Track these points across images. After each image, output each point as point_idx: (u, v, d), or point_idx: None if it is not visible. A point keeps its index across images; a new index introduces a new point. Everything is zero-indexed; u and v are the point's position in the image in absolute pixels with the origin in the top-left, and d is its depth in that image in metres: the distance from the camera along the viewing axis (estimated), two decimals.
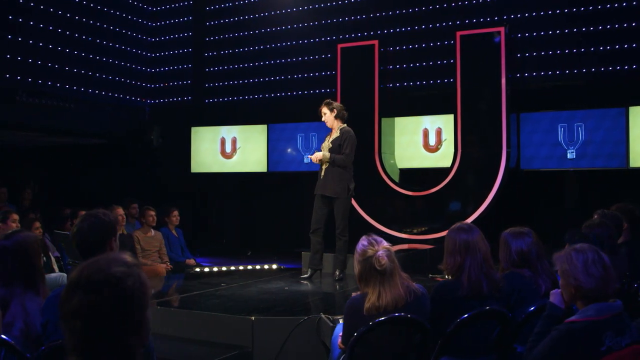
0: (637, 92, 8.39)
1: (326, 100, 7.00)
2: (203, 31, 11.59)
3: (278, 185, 10.98)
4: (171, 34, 11.83)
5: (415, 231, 9.07)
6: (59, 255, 7.50)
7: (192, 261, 8.84)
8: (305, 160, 10.15)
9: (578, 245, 2.79)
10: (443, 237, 3.85)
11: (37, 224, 7.02)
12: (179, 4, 11.77)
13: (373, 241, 3.42)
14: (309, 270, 6.92)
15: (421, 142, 9.63)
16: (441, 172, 9.12)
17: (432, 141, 9.56)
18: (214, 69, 11.52)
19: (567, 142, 8.69)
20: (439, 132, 9.51)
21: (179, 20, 11.79)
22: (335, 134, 6.86)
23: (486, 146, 8.76)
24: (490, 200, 8.63)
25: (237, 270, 8.21)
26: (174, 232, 8.96)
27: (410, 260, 7.69)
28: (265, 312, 5.14)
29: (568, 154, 8.68)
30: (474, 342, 3.50)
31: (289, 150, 10.62)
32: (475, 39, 8.91)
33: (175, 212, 8.97)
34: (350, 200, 7.02)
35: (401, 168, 9.83)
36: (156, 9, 11.94)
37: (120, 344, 1.57)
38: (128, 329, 1.58)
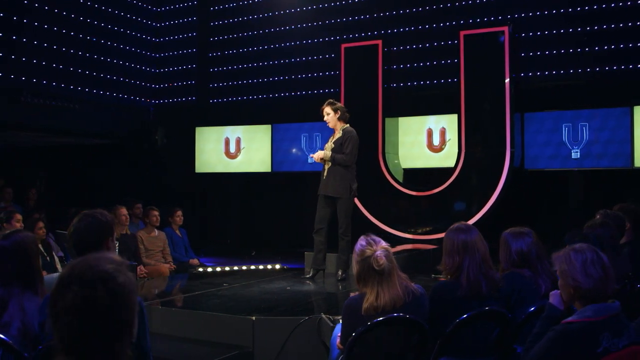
0: None
1: (329, 100, 6.96)
2: (207, 31, 11.61)
3: (282, 185, 10.99)
4: (175, 34, 11.85)
5: (419, 231, 9.06)
6: (62, 255, 7.52)
7: (195, 261, 8.85)
8: (310, 161, 10.14)
9: (577, 246, 2.77)
10: None
11: (41, 224, 7.02)
12: (184, 5, 11.79)
13: (371, 241, 3.41)
14: (312, 270, 6.91)
15: (425, 142, 9.62)
16: (445, 172, 9.11)
17: (436, 141, 9.54)
18: (218, 69, 11.53)
19: (572, 141, 8.66)
20: (443, 132, 9.50)
21: (183, 20, 11.81)
22: (338, 134, 6.85)
23: (490, 146, 8.74)
24: (494, 200, 8.61)
25: (240, 270, 8.22)
26: (177, 232, 8.96)
27: (413, 260, 7.69)
28: (266, 312, 5.13)
29: (572, 153, 8.65)
30: (473, 343, 3.49)
31: (293, 150, 10.62)
32: (478, 38, 8.89)
33: (179, 212, 8.98)
34: (353, 200, 7.00)
35: (405, 168, 9.81)
36: (160, 9, 11.97)
37: (111, 342, 1.57)
38: (119, 327, 1.58)
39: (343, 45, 9.85)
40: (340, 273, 6.73)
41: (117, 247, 7.30)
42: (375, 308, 3.27)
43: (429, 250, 8.21)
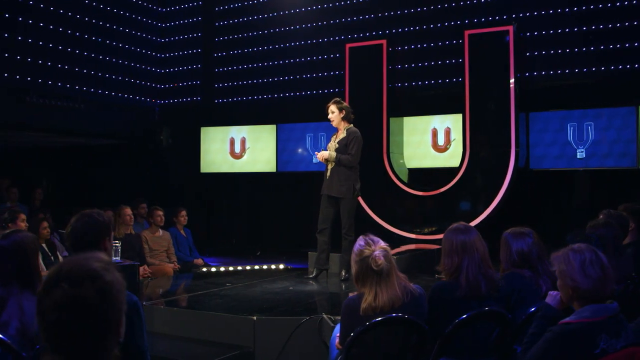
0: None
1: (336, 99, 6.96)
2: (212, 32, 11.62)
3: (287, 185, 10.99)
4: (180, 34, 11.88)
5: (423, 231, 9.04)
6: (67, 254, 7.54)
7: (200, 261, 8.87)
8: (314, 160, 10.13)
9: (576, 246, 2.75)
10: None
11: (45, 224, 7.05)
12: (189, 5, 11.81)
13: (370, 241, 3.41)
14: (315, 270, 6.90)
15: (430, 141, 9.60)
16: (450, 172, 9.09)
17: (441, 141, 9.52)
18: (223, 69, 11.54)
19: (577, 141, 8.62)
20: (447, 132, 9.47)
21: (188, 20, 11.83)
22: (341, 134, 6.83)
23: (495, 146, 8.71)
24: (499, 200, 8.58)
25: (244, 270, 8.22)
26: (182, 232, 8.98)
27: (417, 261, 7.67)
28: (267, 312, 5.13)
29: (578, 153, 8.61)
30: (473, 343, 3.47)
31: (299, 150, 10.62)
32: (483, 38, 8.87)
33: (183, 212, 9.00)
34: (357, 200, 7.00)
35: (410, 168, 9.80)
36: (165, 9, 12.00)
37: (98, 340, 1.58)
38: (107, 325, 1.59)
39: (348, 45, 9.85)
40: (343, 273, 6.72)
41: (121, 247, 7.33)
42: (374, 308, 3.26)
43: (433, 250, 8.19)
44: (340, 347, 3.48)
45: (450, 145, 9.44)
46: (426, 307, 3.47)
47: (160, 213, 8.44)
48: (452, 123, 9.42)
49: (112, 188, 11.75)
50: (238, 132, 11.19)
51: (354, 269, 3.43)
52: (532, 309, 3.44)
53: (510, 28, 8.64)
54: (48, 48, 9.62)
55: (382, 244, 3.41)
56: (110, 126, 10.74)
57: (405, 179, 9.55)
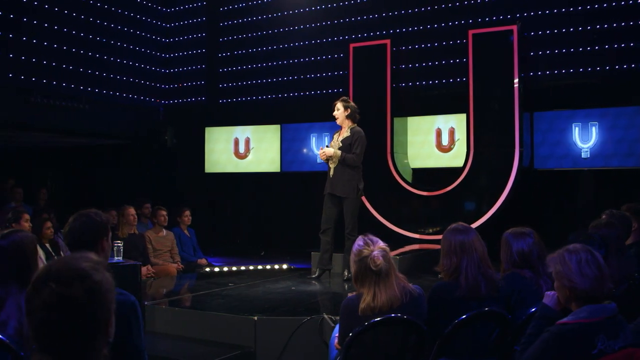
0: None
1: (343, 97, 6.99)
2: (216, 32, 11.63)
3: (291, 185, 10.98)
4: (185, 34, 11.89)
5: (427, 231, 9.02)
6: None
7: (203, 261, 8.88)
8: (318, 160, 10.12)
9: (571, 246, 2.73)
10: None
11: (49, 224, 7.08)
12: (193, 5, 11.82)
13: (369, 241, 3.40)
14: (318, 270, 6.91)
15: (434, 141, 9.58)
16: (454, 172, 9.07)
17: (445, 141, 9.49)
18: (227, 69, 11.55)
19: (582, 141, 8.58)
20: (451, 132, 9.45)
21: (192, 21, 11.85)
22: (345, 133, 6.83)
23: (499, 145, 8.68)
24: (503, 200, 8.55)
25: (247, 270, 8.23)
26: (186, 232, 9.00)
27: (421, 261, 7.65)
28: (269, 312, 5.13)
29: (582, 153, 8.57)
30: (472, 344, 3.46)
31: (304, 150, 10.62)
32: (487, 37, 8.84)
33: (187, 212, 9.01)
34: (360, 200, 6.99)
35: (414, 168, 9.78)
36: (170, 10, 12.01)
37: (87, 340, 1.58)
38: (95, 325, 1.59)
39: (351, 45, 9.83)
40: (346, 273, 6.72)
41: (124, 247, 7.34)
42: (372, 308, 3.26)
43: (436, 250, 8.08)
44: (339, 347, 3.47)
45: (454, 145, 9.41)
46: (425, 307, 3.46)
47: (164, 213, 8.45)
48: (456, 123, 9.39)
49: (116, 188, 11.78)
50: (242, 132, 11.20)
51: (352, 269, 3.43)
52: (533, 310, 3.42)
53: (514, 28, 8.61)
54: (52, 48, 9.65)
55: (381, 244, 3.40)
56: (114, 126, 10.76)
57: (410, 179, 9.53)
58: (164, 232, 8.47)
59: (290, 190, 11.05)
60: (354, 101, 7.11)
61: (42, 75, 9.48)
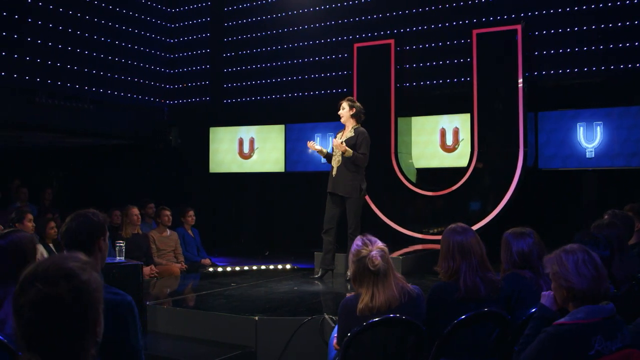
0: None
1: (349, 97, 7.02)
2: (221, 32, 11.64)
3: (296, 185, 10.98)
4: (189, 35, 11.90)
5: (431, 231, 9.01)
6: None
7: (207, 261, 8.89)
8: (322, 161, 10.12)
9: (568, 246, 2.72)
10: None
11: (52, 224, 7.10)
12: (197, 5, 11.83)
13: (367, 241, 3.39)
14: (321, 270, 6.91)
15: (438, 141, 9.56)
16: (458, 172, 9.05)
17: (450, 141, 9.47)
18: (231, 69, 11.56)
19: (587, 141, 8.54)
20: (456, 132, 9.43)
21: (197, 21, 11.85)
22: (349, 133, 6.83)
23: (503, 145, 8.66)
24: (507, 200, 8.53)
25: (251, 270, 8.23)
26: (189, 232, 9.01)
27: (424, 261, 7.64)
28: (270, 312, 5.13)
29: (587, 153, 8.53)
30: (472, 345, 3.44)
31: (309, 150, 10.59)
32: (491, 37, 8.82)
33: (191, 212, 9.03)
34: (363, 199, 6.99)
35: (418, 168, 9.76)
36: (175, 10, 12.03)
37: (74, 340, 1.57)
38: (82, 324, 1.58)
39: (355, 45, 9.83)
40: (349, 273, 6.68)
41: (128, 247, 7.36)
42: (370, 309, 3.25)
43: (439, 250, 8.14)
44: (338, 347, 3.46)
45: (458, 145, 9.39)
46: (424, 307, 3.45)
47: (168, 213, 8.46)
48: (460, 123, 9.37)
49: (121, 188, 11.81)
50: (247, 132, 11.21)
51: (351, 269, 3.42)
52: (533, 310, 3.40)
53: (519, 27, 8.59)
54: (57, 49, 9.68)
55: (380, 244, 3.39)
56: (119, 126, 10.79)
57: (414, 179, 9.52)
58: (168, 232, 8.49)
59: (294, 190, 11.05)
60: (358, 101, 7.11)
61: (46, 76, 9.50)
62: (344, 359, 3.23)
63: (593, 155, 8.50)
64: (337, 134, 6.99)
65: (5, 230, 3.42)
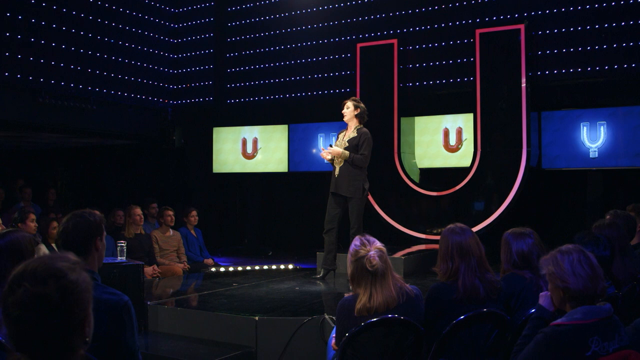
0: None
1: (354, 97, 7.00)
2: (224, 32, 11.65)
3: (299, 185, 10.98)
4: (193, 35, 11.91)
5: (434, 231, 8.99)
6: None
7: (210, 261, 8.90)
8: (325, 161, 10.10)
9: (564, 247, 2.71)
10: None
11: (55, 224, 7.11)
12: (201, 5, 11.84)
13: (365, 241, 3.38)
14: (322, 270, 6.90)
15: (442, 141, 9.54)
16: (462, 172, 9.03)
17: (453, 141, 9.45)
18: (235, 69, 11.56)
19: (590, 140, 8.51)
20: (459, 132, 9.40)
21: (200, 21, 11.86)
22: (352, 133, 6.83)
23: (506, 145, 8.64)
24: (510, 200, 8.51)
25: (253, 270, 8.22)
26: (192, 232, 9.02)
27: (426, 261, 7.62)
28: (270, 312, 5.13)
29: (591, 153, 8.50)
30: (471, 345, 3.43)
31: (314, 150, 10.61)
32: (494, 36, 8.80)
33: (194, 212, 9.04)
34: (365, 199, 6.99)
35: (421, 168, 9.75)
36: (178, 10, 12.04)
37: (61, 339, 1.58)
38: (71, 324, 1.58)
39: (359, 45, 9.83)
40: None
41: (130, 247, 7.37)
42: (368, 309, 3.24)
43: None
44: (336, 347, 3.45)
45: (462, 145, 9.37)
46: (422, 307, 3.44)
47: (171, 213, 8.48)
48: (463, 122, 9.35)
49: (125, 188, 11.84)
50: (250, 132, 11.21)
51: (349, 270, 3.41)
52: (532, 311, 3.39)
53: (522, 27, 8.56)
54: (61, 49, 9.70)
55: (378, 244, 3.38)
56: (123, 127, 10.80)
57: (417, 179, 9.51)
58: (171, 232, 8.50)
59: (298, 190, 11.05)
60: (361, 101, 7.11)
61: (50, 76, 9.52)
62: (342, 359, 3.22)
63: (597, 155, 8.47)
64: (339, 133, 6.99)
65: (4, 231, 3.43)
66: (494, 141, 8.74)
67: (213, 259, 9.05)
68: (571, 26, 8.71)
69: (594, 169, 8.60)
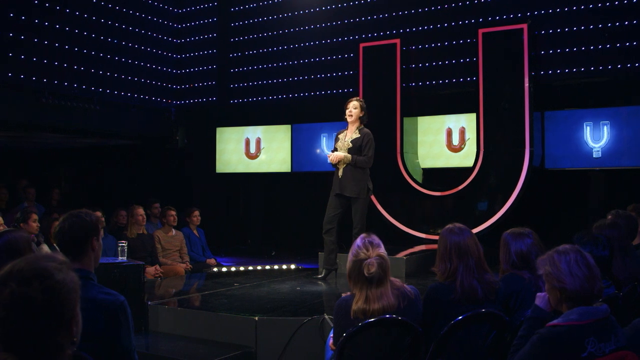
0: None
1: (359, 98, 7.02)
2: (228, 32, 11.65)
3: (302, 185, 10.97)
4: (196, 35, 11.92)
5: (437, 231, 8.96)
6: None
7: (212, 261, 8.91)
8: (328, 161, 10.10)
9: (561, 247, 2.69)
10: None
11: (56, 224, 7.10)
12: (204, 6, 11.85)
13: (368, 244, 3.32)
14: (324, 270, 6.89)
15: (444, 141, 9.52)
16: (464, 172, 9.01)
17: (456, 141, 9.43)
18: (238, 69, 11.57)
19: (593, 140, 8.48)
20: (462, 132, 9.39)
21: (203, 21, 11.87)
22: (354, 134, 6.82)
23: (509, 145, 8.61)
24: (513, 200, 8.48)
25: (255, 270, 8.22)
26: (195, 232, 9.03)
27: (428, 261, 7.58)
28: (270, 312, 5.12)
29: (594, 152, 8.47)
30: (469, 346, 3.42)
31: (317, 151, 10.61)
32: (497, 36, 8.78)
33: (196, 212, 9.06)
34: (369, 199, 6.98)
35: (424, 168, 9.73)
36: (181, 10, 12.05)
37: (47, 339, 1.58)
38: (57, 324, 1.59)
39: (361, 45, 9.81)
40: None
41: (133, 247, 7.39)
42: (364, 312, 3.22)
43: None
44: (334, 347, 3.44)
45: (464, 145, 9.35)
46: (420, 308, 3.43)
47: (173, 213, 8.49)
48: (466, 122, 9.33)
49: (128, 188, 11.86)
50: (253, 132, 11.22)
51: (348, 265, 3.38)
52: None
53: (525, 26, 8.53)
54: (64, 49, 9.72)
55: (381, 250, 3.31)
56: (126, 127, 10.82)
57: (420, 179, 9.49)
58: (173, 232, 8.52)
59: (301, 190, 11.04)
60: (364, 101, 7.13)
61: (53, 76, 9.54)
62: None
63: (600, 155, 8.43)
64: (338, 134, 6.96)
65: (1, 230, 3.44)
66: (497, 141, 8.72)
67: (215, 259, 9.05)
68: (574, 26, 8.67)
69: (598, 169, 8.58)
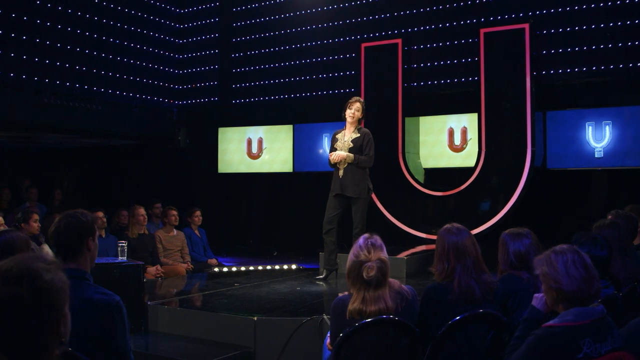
0: None
1: (359, 98, 7.00)
2: (229, 32, 11.65)
3: (304, 185, 10.97)
4: (198, 35, 11.92)
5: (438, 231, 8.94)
6: None
7: (214, 261, 8.91)
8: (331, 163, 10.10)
9: (558, 247, 2.68)
10: None
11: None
12: (206, 6, 11.85)
13: (370, 246, 3.29)
14: (325, 271, 6.88)
15: (446, 141, 9.51)
16: (466, 172, 9.00)
17: (458, 141, 9.42)
18: (240, 69, 11.56)
19: (595, 140, 8.46)
20: (464, 132, 9.37)
21: (205, 21, 11.87)
22: (353, 133, 6.81)
23: (511, 145, 8.60)
24: (515, 200, 8.47)
25: (256, 270, 8.22)
26: (196, 232, 9.03)
27: (429, 261, 7.56)
28: (270, 312, 5.12)
29: (596, 152, 8.45)
30: (466, 346, 3.41)
31: (320, 151, 10.60)
32: (499, 36, 8.76)
33: (198, 212, 9.06)
34: (369, 199, 6.98)
35: (426, 168, 9.72)
36: (183, 10, 12.05)
37: (38, 339, 1.57)
38: (46, 324, 1.58)
39: (363, 45, 9.81)
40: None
41: (134, 247, 7.39)
42: (360, 313, 3.21)
43: None
44: (331, 347, 3.43)
45: (466, 144, 9.34)
46: (417, 307, 3.42)
47: (175, 213, 8.50)
48: (468, 122, 9.32)
49: (130, 188, 11.87)
50: (255, 132, 11.22)
51: (347, 264, 3.37)
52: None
53: (526, 26, 8.52)
54: (66, 50, 9.72)
55: (382, 253, 3.28)
56: (128, 127, 10.82)
57: (422, 179, 9.48)
58: (175, 232, 8.52)
59: (303, 190, 11.04)
60: (365, 101, 7.14)
61: (55, 76, 9.55)
62: None
63: (602, 155, 8.41)
64: (336, 134, 6.95)
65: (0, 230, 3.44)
66: (499, 141, 8.71)
67: (217, 259, 9.06)
68: (576, 25, 8.65)
69: (599, 168, 8.56)
